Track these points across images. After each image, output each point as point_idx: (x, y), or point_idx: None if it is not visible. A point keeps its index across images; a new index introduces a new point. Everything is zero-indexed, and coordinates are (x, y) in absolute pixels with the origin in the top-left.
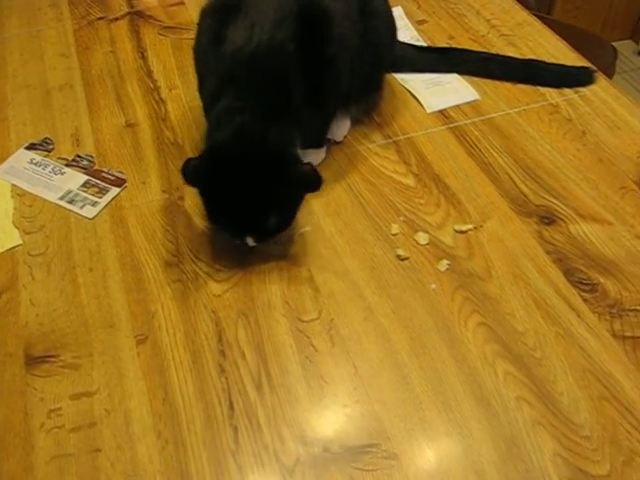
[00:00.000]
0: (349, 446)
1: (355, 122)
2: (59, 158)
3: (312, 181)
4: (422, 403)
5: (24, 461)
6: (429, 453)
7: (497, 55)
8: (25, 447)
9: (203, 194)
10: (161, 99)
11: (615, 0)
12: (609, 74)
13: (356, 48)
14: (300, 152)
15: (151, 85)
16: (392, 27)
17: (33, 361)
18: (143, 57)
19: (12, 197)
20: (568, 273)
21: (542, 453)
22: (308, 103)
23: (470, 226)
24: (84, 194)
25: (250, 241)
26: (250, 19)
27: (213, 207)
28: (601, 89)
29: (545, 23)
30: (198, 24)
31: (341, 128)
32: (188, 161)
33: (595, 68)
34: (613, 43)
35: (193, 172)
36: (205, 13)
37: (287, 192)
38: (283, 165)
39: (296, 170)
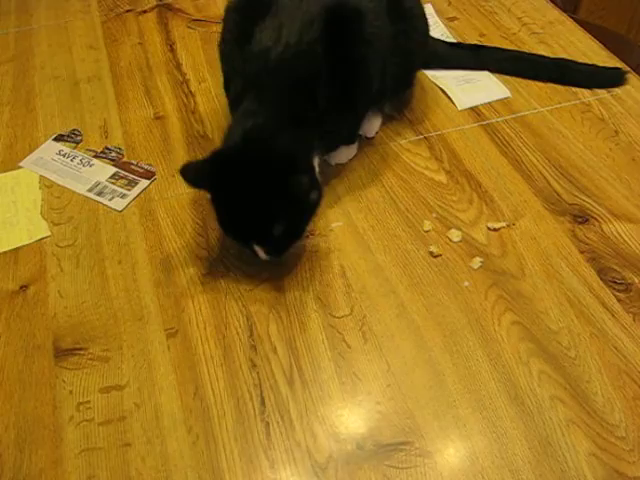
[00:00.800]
0: (382, 443)
1: (387, 119)
2: (87, 150)
3: (305, 198)
4: (456, 401)
5: (53, 454)
6: (463, 451)
7: (529, 54)
8: (54, 440)
9: (212, 199)
10: (190, 92)
11: None
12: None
13: (388, 49)
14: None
15: (180, 78)
16: (425, 28)
17: (62, 353)
18: (172, 50)
19: (40, 188)
20: (602, 272)
21: (577, 453)
22: (337, 104)
23: (503, 224)
24: (113, 186)
25: (261, 253)
26: (279, 19)
27: (220, 212)
28: (634, 89)
29: None
30: (224, 20)
31: (373, 124)
32: (189, 163)
33: (628, 68)
34: None
35: (193, 173)
36: (231, 9)
37: (292, 200)
38: (288, 172)
39: (296, 180)
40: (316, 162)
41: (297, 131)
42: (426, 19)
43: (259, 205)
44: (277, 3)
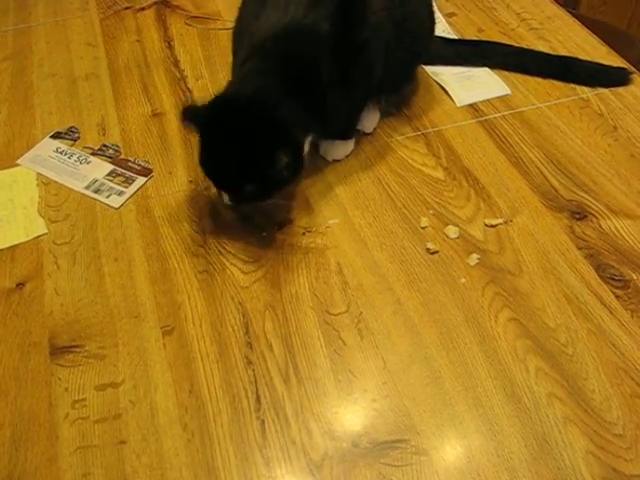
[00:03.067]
0: (378, 441)
1: (384, 114)
2: (85, 147)
3: (278, 176)
4: (452, 398)
5: (48, 451)
6: (459, 449)
7: (530, 50)
8: (49, 437)
9: (199, 141)
10: (188, 89)
11: None
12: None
13: (392, 38)
14: (329, 143)
15: (178, 75)
16: (431, 18)
17: (58, 351)
18: (170, 47)
19: (37, 186)
20: (600, 269)
21: (574, 451)
22: (336, 87)
23: (500, 220)
24: (110, 183)
25: (225, 198)
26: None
27: (202, 154)
28: (633, 85)
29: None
30: (239, 8)
31: (371, 120)
32: (190, 106)
33: (633, 69)
34: None
35: (190, 114)
36: None
37: (267, 170)
38: (273, 144)
39: (277, 156)
40: (307, 142)
41: (295, 103)
42: (433, 16)
43: (238, 162)
44: None
